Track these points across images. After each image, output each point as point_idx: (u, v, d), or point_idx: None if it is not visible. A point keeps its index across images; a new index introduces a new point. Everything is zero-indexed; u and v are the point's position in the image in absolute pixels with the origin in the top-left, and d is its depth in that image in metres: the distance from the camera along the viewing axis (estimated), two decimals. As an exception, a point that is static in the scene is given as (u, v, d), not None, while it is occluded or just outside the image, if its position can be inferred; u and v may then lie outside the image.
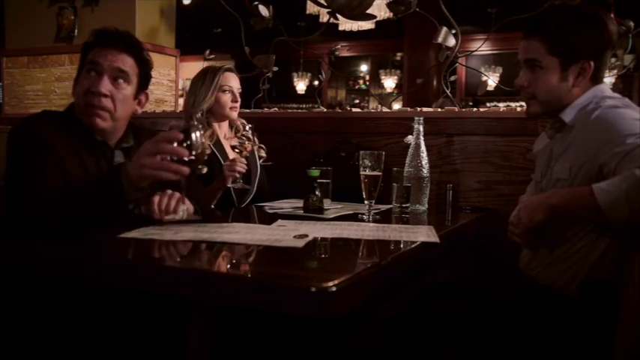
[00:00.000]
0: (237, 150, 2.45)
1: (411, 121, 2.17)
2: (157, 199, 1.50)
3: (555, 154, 1.65)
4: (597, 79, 1.62)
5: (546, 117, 1.75)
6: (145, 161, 1.40)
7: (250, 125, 2.49)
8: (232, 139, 2.51)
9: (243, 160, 2.27)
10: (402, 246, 1.44)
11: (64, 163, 1.54)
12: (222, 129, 2.48)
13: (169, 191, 1.52)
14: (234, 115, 2.42)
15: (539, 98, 1.65)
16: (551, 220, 1.50)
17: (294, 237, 1.39)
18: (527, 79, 1.66)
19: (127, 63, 1.66)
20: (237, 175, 2.21)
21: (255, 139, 2.51)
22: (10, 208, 1.55)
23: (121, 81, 1.65)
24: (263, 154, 2.51)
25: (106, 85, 1.61)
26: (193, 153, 1.41)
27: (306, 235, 1.41)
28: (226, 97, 2.37)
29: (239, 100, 2.42)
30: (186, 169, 1.41)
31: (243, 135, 2.50)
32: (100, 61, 1.62)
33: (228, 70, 2.41)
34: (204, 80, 2.37)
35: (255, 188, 2.37)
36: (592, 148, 1.50)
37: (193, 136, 1.42)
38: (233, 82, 2.40)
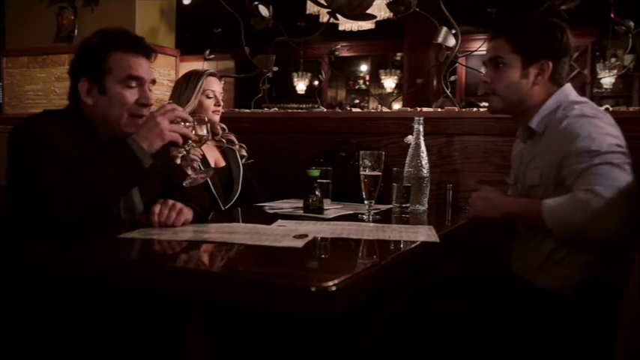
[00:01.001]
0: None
1: (411, 121, 2.17)
2: (157, 209, 1.52)
3: (525, 160, 1.73)
4: (556, 81, 1.71)
5: (508, 114, 1.84)
6: (164, 125, 1.55)
7: (223, 125, 2.50)
8: (210, 142, 2.51)
9: (198, 150, 2.26)
10: (402, 246, 1.44)
11: (68, 161, 1.52)
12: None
13: (171, 201, 1.54)
14: (216, 118, 2.44)
15: (500, 94, 1.75)
16: (500, 224, 1.66)
17: (294, 237, 1.40)
18: (490, 76, 1.76)
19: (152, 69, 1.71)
20: (194, 165, 2.21)
21: (234, 139, 2.53)
22: (12, 209, 1.55)
23: (152, 87, 1.69)
24: (244, 152, 2.54)
25: (152, 97, 1.69)
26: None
27: (306, 235, 1.42)
28: (209, 102, 2.39)
29: (222, 104, 2.44)
30: (192, 134, 1.61)
31: (222, 138, 2.50)
32: (141, 75, 1.64)
33: (212, 74, 2.42)
34: (188, 84, 2.37)
35: (239, 189, 2.40)
36: (557, 160, 1.57)
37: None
38: (216, 86, 2.41)
